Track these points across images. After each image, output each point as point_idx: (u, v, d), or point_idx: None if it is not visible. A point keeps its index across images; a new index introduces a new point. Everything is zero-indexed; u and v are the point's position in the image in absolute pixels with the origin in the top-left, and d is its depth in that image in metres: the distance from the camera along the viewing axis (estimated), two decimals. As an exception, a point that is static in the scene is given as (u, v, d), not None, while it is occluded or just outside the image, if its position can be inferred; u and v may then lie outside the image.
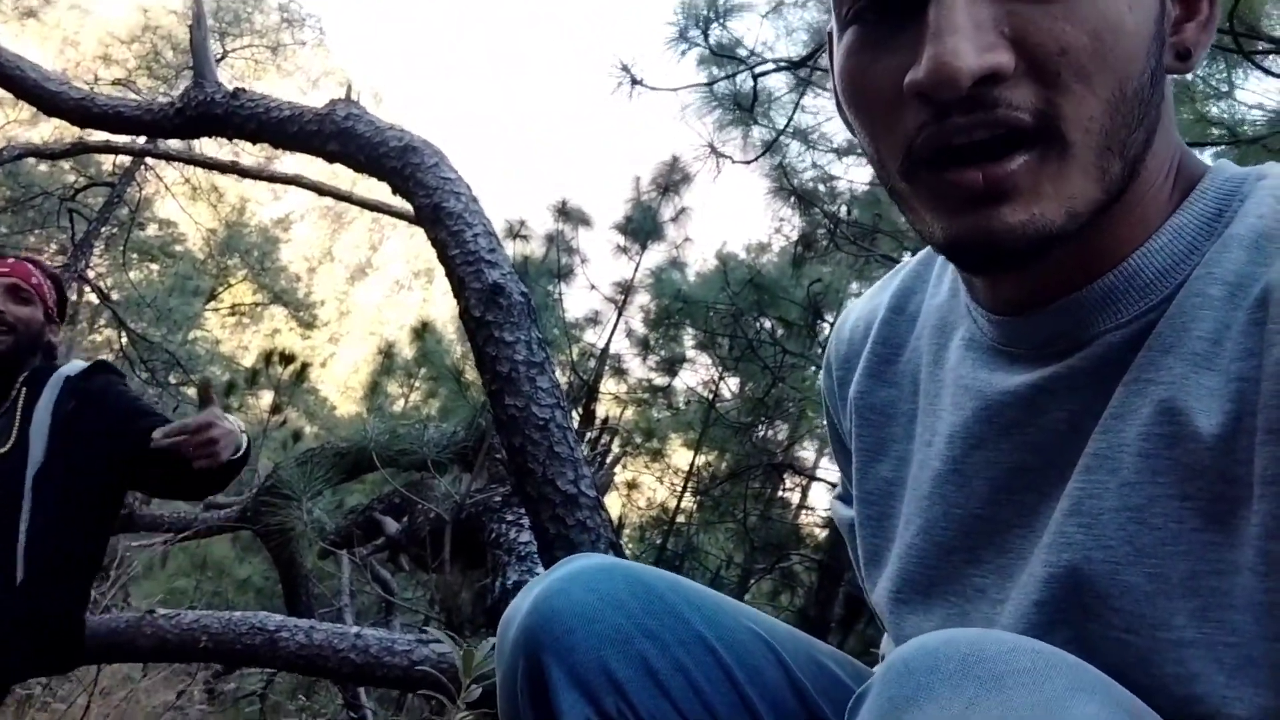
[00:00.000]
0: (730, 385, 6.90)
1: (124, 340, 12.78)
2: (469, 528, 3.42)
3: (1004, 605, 0.59)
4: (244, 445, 1.79)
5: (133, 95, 13.25)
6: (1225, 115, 3.47)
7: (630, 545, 7.13)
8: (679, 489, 6.93)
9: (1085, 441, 0.56)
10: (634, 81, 3.11)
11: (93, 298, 13.96)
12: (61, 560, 1.84)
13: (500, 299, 2.06)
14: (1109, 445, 0.54)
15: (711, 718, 0.66)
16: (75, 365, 2.01)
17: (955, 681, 0.43)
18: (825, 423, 0.84)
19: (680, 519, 6.81)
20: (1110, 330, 0.56)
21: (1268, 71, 2.49)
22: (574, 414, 6.24)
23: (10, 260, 2.03)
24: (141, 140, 6.10)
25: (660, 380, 7.18)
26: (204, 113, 2.71)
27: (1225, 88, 3.44)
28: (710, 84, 3.33)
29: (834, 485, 6.08)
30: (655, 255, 7.02)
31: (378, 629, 2.26)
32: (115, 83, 13.72)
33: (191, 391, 13.23)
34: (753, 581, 6.39)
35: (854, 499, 0.74)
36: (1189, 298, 0.53)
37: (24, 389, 1.93)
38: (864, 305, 0.79)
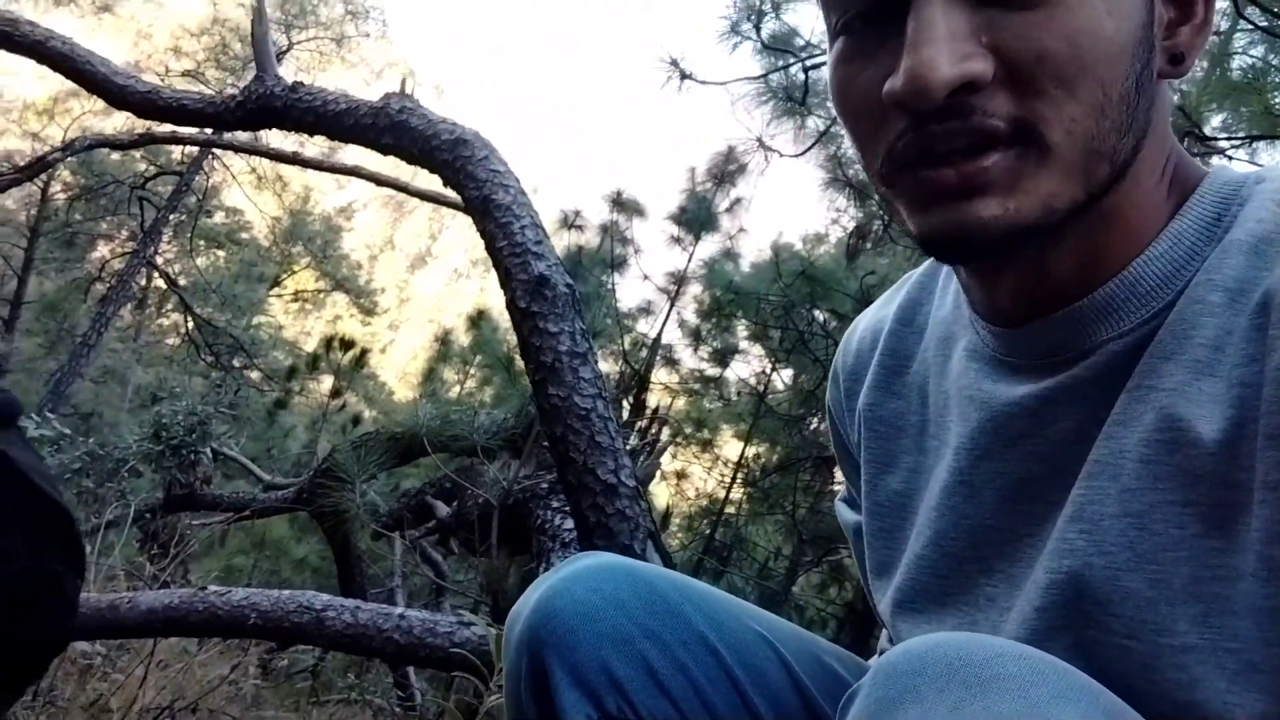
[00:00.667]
0: (783, 377, 6.87)
1: (190, 325, 13.15)
2: (516, 513, 3.47)
3: (1009, 613, 0.59)
4: None
5: (201, 87, 13.61)
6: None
7: (679, 535, 7.16)
8: (728, 480, 6.93)
9: (1090, 449, 0.56)
10: (683, 76, 3.11)
11: (161, 283, 14.38)
12: None
13: (546, 290, 2.09)
14: (1111, 452, 0.54)
15: (712, 717, 0.66)
16: None
17: (940, 685, 0.43)
18: (829, 432, 0.84)
19: (729, 509, 6.81)
20: (1113, 339, 0.56)
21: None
22: (625, 403, 6.28)
23: None
24: (208, 132, 6.26)
25: (712, 371, 7.18)
26: (264, 106, 2.78)
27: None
28: (761, 77, 3.32)
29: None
30: (709, 246, 7.01)
31: (423, 611, 2.31)
32: (185, 74, 14.09)
33: (255, 375, 13.57)
34: (801, 574, 6.37)
35: (863, 510, 0.74)
36: (1190, 304, 0.53)
37: None
38: (871, 317, 0.79)
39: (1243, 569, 0.48)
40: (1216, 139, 2.40)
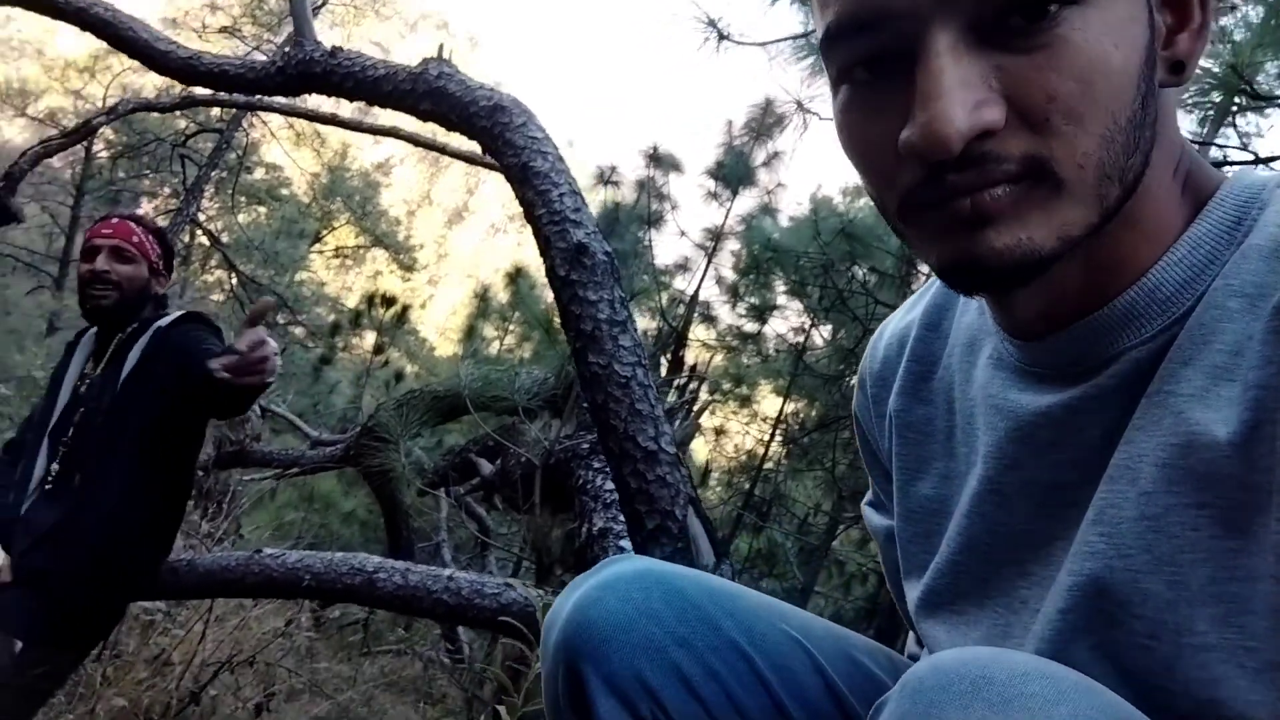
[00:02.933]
0: (822, 333, 6.84)
1: (234, 281, 13.32)
2: (558, 472, 3.52)
3: (1038, 615, 0.60)
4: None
5: (238, 43, 13.61)
6: None
7: (718, 490, 7.20)
8: (767, 436, 6.95)
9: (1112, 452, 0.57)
10: (721, 36, 3.06)
11: (204, 240, 14.56)
12: (123, 489, 2.04)
13: (584, 258, 2.10)
14: (1129, 456, 0.55)
15: None
16: (170, 316, 2.19)
17: (964, 702, 0.44)
18: (856, 438, 0.85)
19: (768, 466, 6.84)
20: (1135, 346, 0.56)
21: None
22: (663, 360, 6.29)
23: (114, 220, 2.19)
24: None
25: (750, 327, 7.16)
26: (303, 71, 2.79)
27: None
28: (801, 36, 3.25)
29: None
30: (747, 201, 6.95)
31: (469, 572, 2.37)
32: (222, 30, 14.09)
33: (299, 331, 13.75)
34: (841, 530, 6.40)
35: (895, 514, 0.75)
36: (1208, 310, 0.54)
37: (127, 339, 2.14)
38: (897, 322, 0.80)
39: (1261, 570, 0.49)
40: (1275, 95, 2.27)
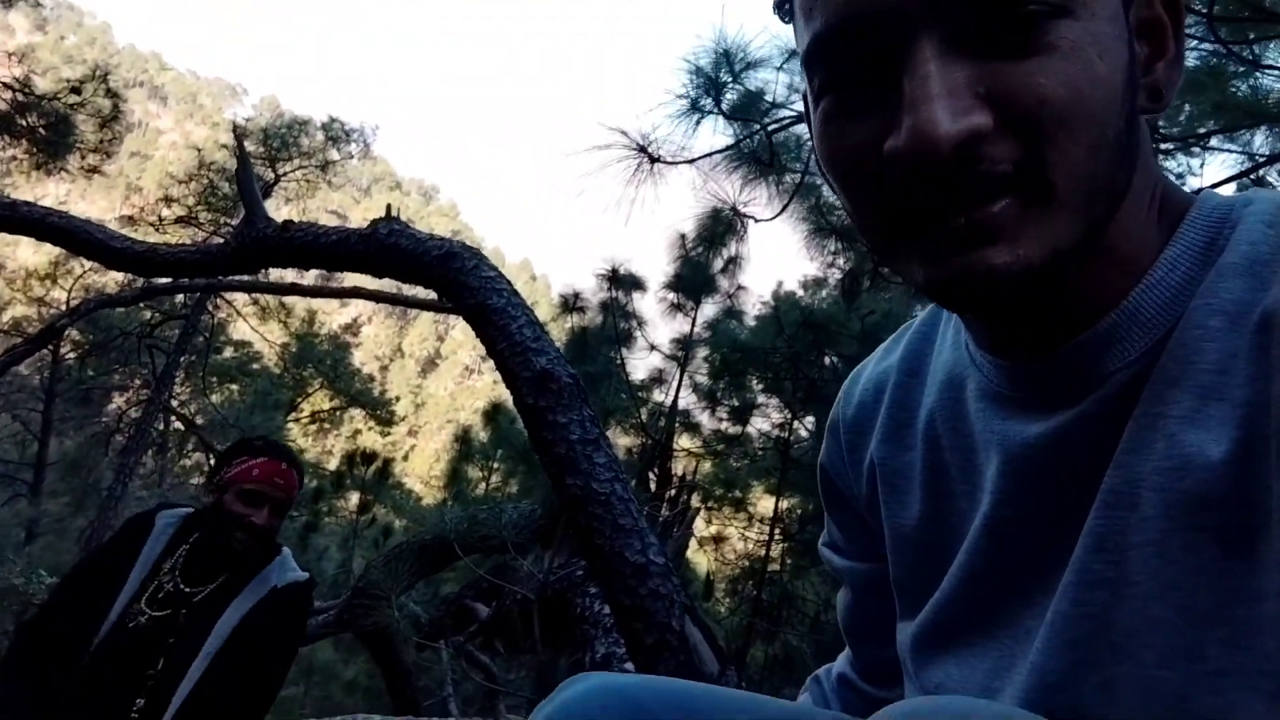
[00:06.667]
0: (806, 425, 6.85)
1: (212, 462, 13.23)
2: (556, 604, 3.48)
3: (1037, 645, 0.58)
4: None
5: (196, 230, 13.90)
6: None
7: (724, 600, 7.08)
8: (766, 537, 6.88)
9: (1103, 477, 0.56)
10: (653, 160, 3.17)
11: (179, 425, 14.53)
12: None
13: (550, 384, 2.14)
14: (1124, 480, 0.54)
15: None
16: (288, 576, 2.01)
17: None
18: (820, 484, 0.84)
19: (772, 567, 6.74)
20: (1119, 370, 0.56)
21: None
22: (650, 475, 6.27)
23: (285, 468, 1.99)
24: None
25: (733, 429, 7.17)
26: (259, 248, 2.87)
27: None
28: (730, 148, 3.38)
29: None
30: (711, 308, 7.07)
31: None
32: (178, 221, 14.41)
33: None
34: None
35: (890, 559, 0.75)
36: (1189, 329, 0.54)
37: (232, 581, 1.97)
38: (873, 368, 0.79)
39: (1267, 590, 0.48)
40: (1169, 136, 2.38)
